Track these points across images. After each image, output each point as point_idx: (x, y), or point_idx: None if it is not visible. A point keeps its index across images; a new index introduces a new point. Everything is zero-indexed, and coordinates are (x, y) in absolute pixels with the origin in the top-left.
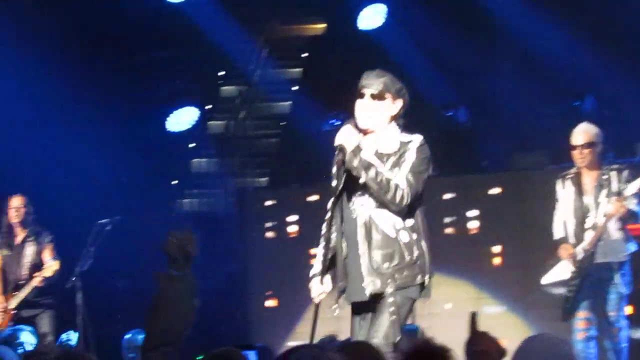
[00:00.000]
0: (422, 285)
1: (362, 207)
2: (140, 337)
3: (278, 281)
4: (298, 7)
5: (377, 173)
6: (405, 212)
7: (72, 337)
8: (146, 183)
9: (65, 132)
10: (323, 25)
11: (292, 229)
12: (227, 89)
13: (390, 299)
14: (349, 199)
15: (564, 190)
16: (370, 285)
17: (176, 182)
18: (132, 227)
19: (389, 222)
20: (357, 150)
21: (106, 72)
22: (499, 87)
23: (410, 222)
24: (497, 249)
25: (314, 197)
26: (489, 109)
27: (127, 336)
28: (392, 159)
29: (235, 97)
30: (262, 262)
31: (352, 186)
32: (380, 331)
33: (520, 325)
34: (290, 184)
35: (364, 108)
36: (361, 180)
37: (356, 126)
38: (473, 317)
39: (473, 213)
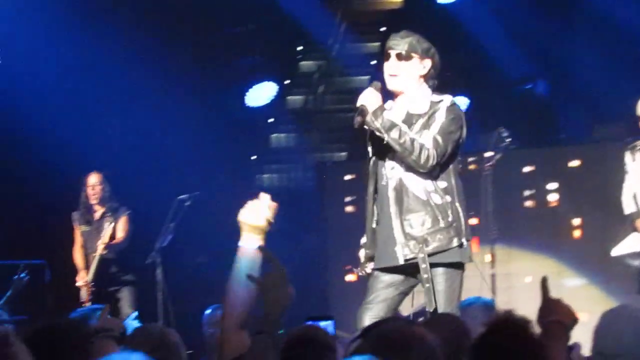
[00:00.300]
0: (460, 247)
1: (392, 170)
2: (220, 312)
3: (357, 255)
4: None
5: (400, 133)
6: (437, 174)
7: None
8: (225, 158)
9: (144, 107)
10: None
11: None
12: (306, 64)
13: (424, 265)
14: (381, 163)
15: (634, 163)
16: (403, 250)
17: (255, 157)
18: (211, 202)
19: (420, 185)
20: (380, 110)
21: (185, 47)
22: (579, 59)
23: (442, 184)
24: (577, 221)
25: None
26: (569, 80)
27: (207, 312)
28: (422, 120)
29: (314, 72)
30: (342, 237)
31: (382, 150)
32: (434, 305)
33: (601, 297)
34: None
35: (390, 69)
36: (385, 142)
37: (384, 90)
38: (544, 284)
39: (553, 186)
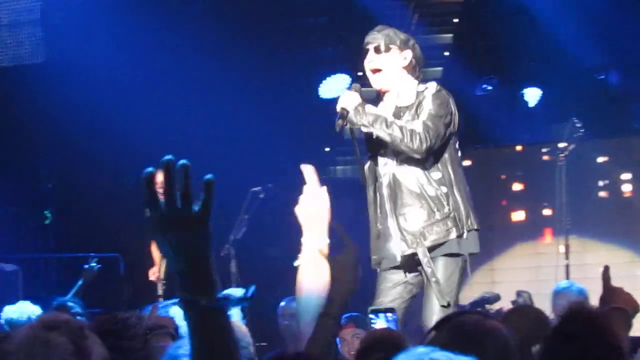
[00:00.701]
0: (459, 237)
1: (385, 166)
2: (294, 304)
3: None
4: None
5: (387, 123)
6: (430, 165)
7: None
8: (298, 150)
9: (217, 99)
10: None
11: None
12: None
13: (425, 259)
14: (375, 164)
15: None
16: (400, 246)
17: (328, 149)
18: (285, 194)
19: (412, 178)
20: (360, 107)
21: (258, 38)
22: None
23: (436, 174)
24: None
25: (467, 162)
26: None
27: (282, 304)
28: (411, 111)
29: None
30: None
31: (375, 150)
32: (444, 299)
33: None
34: None
35: (371, 64)
36: (374, 135)
37: (361, 91)
38: (605, 273)
39: (626, 176)
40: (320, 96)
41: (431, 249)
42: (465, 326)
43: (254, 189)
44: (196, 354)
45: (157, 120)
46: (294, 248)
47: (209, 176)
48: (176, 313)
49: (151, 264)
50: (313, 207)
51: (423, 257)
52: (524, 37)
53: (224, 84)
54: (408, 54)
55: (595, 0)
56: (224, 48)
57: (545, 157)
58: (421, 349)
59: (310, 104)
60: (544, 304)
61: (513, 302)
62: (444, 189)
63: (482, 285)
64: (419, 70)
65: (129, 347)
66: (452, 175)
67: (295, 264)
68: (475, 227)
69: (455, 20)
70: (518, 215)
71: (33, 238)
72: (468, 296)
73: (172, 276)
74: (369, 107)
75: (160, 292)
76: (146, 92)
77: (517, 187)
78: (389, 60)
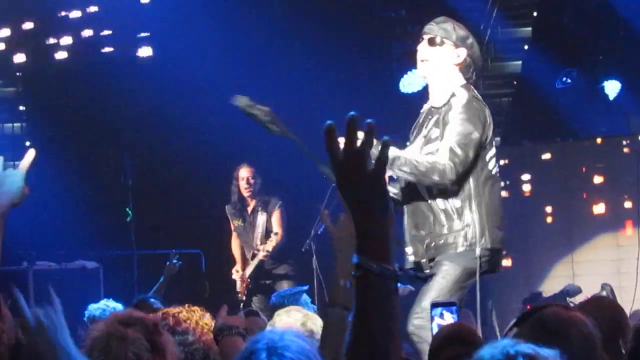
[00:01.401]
0: (467, 251)
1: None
2: None
3: (513, 240)
4: None
5: (405, 162)
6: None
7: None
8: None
9: (296, 93)
10: None
11: (526, 188)
12: None
13: (427, 271)
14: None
15: None
16: (410, 253)
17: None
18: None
19: (424, 188)
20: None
21: (338, 31)
22: None
23: (453, 187)
24: None
25: (547, 156)
26: None
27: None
28: (437, 116)
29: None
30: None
31: None
32: (424, 297)
33: None
34: (523, 143)
35: (421, 54)
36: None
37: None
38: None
39: None
40: (401, 90)
41: (433, 260)
42: (547, 319)
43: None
44: (357, 320)
45: (238, 118)
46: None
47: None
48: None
49: (232, 262)
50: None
51: (426, 267)
52: (604, 30)
53: (305, 78)
54: (462, 52)
55: None
56: (299, 40)
57: (626, 150)
58: (506, 341)
59: (390, 98)
60: (626, 297)
61: (597, 295)
62: (458, 203)
63: (564, 278)
64: (474, 70)
65: (183, 342)
66: (473, 189)
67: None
68: (492, 246)
69: (535, 13)
70: (599, 208)
71: (114, 235)
72: (549, 289)
73: (257, 276)
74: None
75: (240, 289)
76: (226, 90)
77: (597, 179)
78: (440, 55)
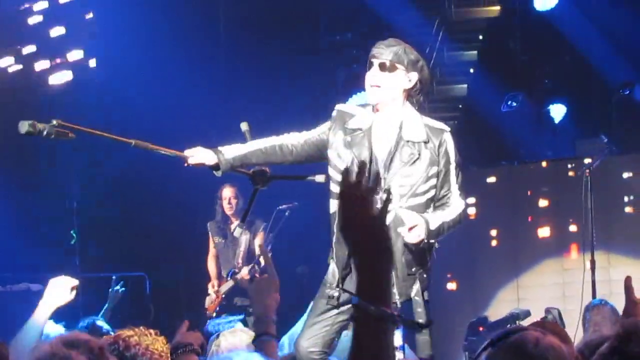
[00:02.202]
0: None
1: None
2: None
3: (458, 264)
4: None
5: (445, 229)
6: (435, 207)
7: None
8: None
9: (237, 113)
10: (498, 8)
11: (472, 211)
12: None
13: (417, 298)
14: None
15: None
16: (399, 289)
17: None
18: (309, 212)
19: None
20: (429, 227)
21: (284, 54)
22: None
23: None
24: None
25: (492, 179)
26: None
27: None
28: (426, 153)
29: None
30: (442, 245)
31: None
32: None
33: None
34: (468, 166)
35: (372, 80)
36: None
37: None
38: (628, 283)
39: None
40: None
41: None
42: (525, 343)
43: (280, 207)
44: (352, 356)
45: (189, 138)
46: (322, 265)
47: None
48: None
49: (205, 278)
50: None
51: (416, 295)
52: (549, 54)
53: (247, 99)
54: (414, 76)
55: (619, 16)
56: (248, 65)
57: (571, 173)
58: None
59: None
60: (571, 320)
61: (542, 319)
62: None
63: (509, 302)
64: (424, 93)
65: None
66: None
67: None
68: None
69: (480, 37)
70: (544, 232)
71: (59, 258)
72: (495, 313)
73: (233, 293)
74: (432, 223)
75: (209, 306)
76: (173, 108)
77: (542, 203)
78: (392, 80)
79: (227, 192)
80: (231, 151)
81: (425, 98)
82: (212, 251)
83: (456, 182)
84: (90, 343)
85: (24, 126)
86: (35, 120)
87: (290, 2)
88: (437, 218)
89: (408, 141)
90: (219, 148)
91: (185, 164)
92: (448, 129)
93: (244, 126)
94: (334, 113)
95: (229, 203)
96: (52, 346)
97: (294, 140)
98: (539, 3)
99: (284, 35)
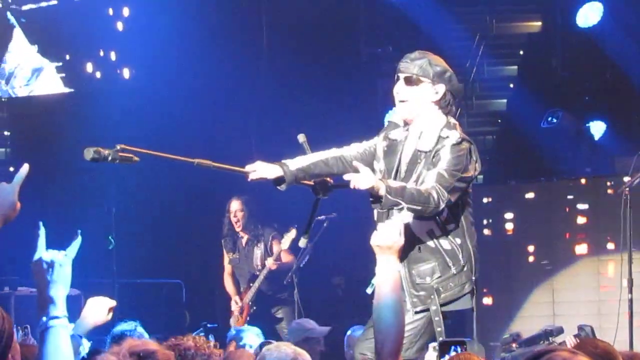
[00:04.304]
0: (472, 294)
1: (396, 214)
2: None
3: (494, 279)
4: (514, 4)
5: (408, 196)
6: (445, 216)
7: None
8: None
9: (281, 128)
10: (539, 23)
11: (509, 226)
12: None
13: (437, 318)
14: (385, 213)
15: None
16: (412, 300)
17: None
18: (346, 223)
19: (425, 231)
20: (389, 187)
21: (324, 66)
22: None
23: (451, 226)
24: None
25: (530, 195)
26: None
27: (348, 333)
28: (428, 158)
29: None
30: (480, 260)
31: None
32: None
33: None
34: (507, 181)
35: (398, 95)
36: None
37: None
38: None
39: None
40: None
41: (444, 305)
42: None
43: (318, 217)
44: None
45: (227, 148)
46: (356, 277)
47: None
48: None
49: (225, 294)
50: (387, 240)
51: (435, 315)
52: (590, 70)
53: (289, 114)
54: (441, 88)
55: None
56: (289, 76)
57: (610, 191)
58: None
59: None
60: (607, 339)
61: (575, 336)
62: (458, 240)
63: (544, 318)
64: (454, 104)
65: None
66: (463, 223)
67: (369, 290)
68: (476, 277)
69: (521, 52)
70: (581, 249)
71: (96, 263)
72: (529, 329)
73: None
74: (392, 182)
75: (236, 322)
76: (214, 119)
77: (580, 220)
78: (418, 94)
79: (234, 205)
80: (295, 163)
81: (458, 108)
82: (227, 269)
83: (440, 167)
84: (158, 354)
85: (89, 153)
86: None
87: (332, 14)
88: (401, 184)
89: (420, 151)
90: (283, 161)
91: (248, 180)
92: (455, 135)
93: (301, 138)
94: (385, 123)
95: (235, 216)
96: (120, 357)
97: (353, 151)
98: (581, 19)
99: (325, 46)
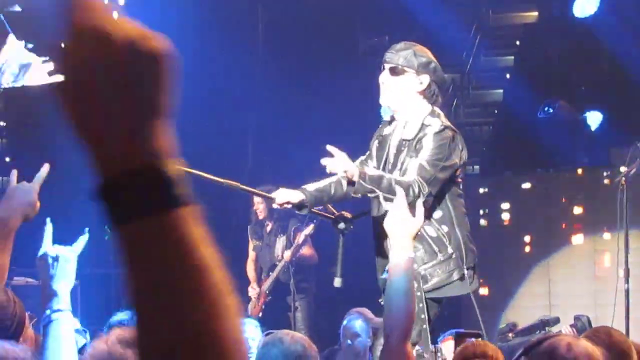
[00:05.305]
0: (461, 280)
1: (384, 204)
2: (356, 323)
3: (490, 269)
4: None
5: (385, 184)
6: (431, 203)
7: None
8: None
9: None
10: (535, 13)
11: (505, 217)
12: None
13: (421, 305)
14: (371, 200)
15: None
16: None
17: None
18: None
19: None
20: (362, 173)
21: (322, 57)
22: None
23: (437, 213)
24: None
25: (527, 185)
26: None
27: (344, 323)
28: (411, 146)
29: (448, 85)
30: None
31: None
32: (430, 346)
33: None
34: (503, 172)
35: (383, 83)
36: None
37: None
38: None
39: None
40: (382, 117)
41: (430, 292)
42: (558, 350)
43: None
44: None
45: (235, 136)
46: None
47: None
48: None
49: (243, 283)
50: (402, 222)
51: (419, 302)
52: (586, 60)
53: (286, 100)
54: (425, 79)
55: None
56: (286, 69)
57: (606, 181)
58: None
59: (372, 123)
60: None
61: (572, 326)
62: (445, 228)
63: (540, 309)
64: (440, 94)
65: None
66: (452, 212)
67: (383, 276)
68: (474, 264)
69: (517, 42)
70: (577, 239)
71: (93, 253)
72: (525, 319)
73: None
74: (368, 169)
75: (252, 310)
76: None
77: (577, 210)
78: (402, 83)
79: (256, 197)
80: (312, 186)
81: (443, 98)
82: (251, 255)
83: (422, 158)
84: None
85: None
86: None
87: (329, 5)
88: (380, 173)
89: (404, 140)
90: (303, 186)
91: (274, 205)
92: (437, 123)
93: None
94: (383, 115)
95: (257, 207)
96: (108, 344)
97: (357, 163)
98: (578, 9)
99: (322, 37)
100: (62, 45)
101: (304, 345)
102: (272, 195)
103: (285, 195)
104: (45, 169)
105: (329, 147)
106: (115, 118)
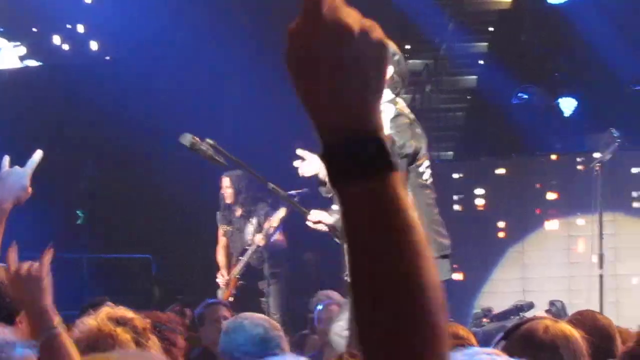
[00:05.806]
0: None
1: None
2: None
3: (465, 255)
4: None
5: None
6: None
7: None
8: None
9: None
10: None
11: (480, 202)
12: (414, 63)
13: None
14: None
15: None
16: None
17: None
18: (317, 199)
19: None
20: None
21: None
22: None
23: None
24: None
25: (501, 171)
26: None
27: (319, 307)
28: None
29: (421, 71)
30: (450, 236)
31: None
32: None
33: None
34: (478, 157)
35: None
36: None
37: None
38: None
39: None
40: None
41: None
42: (537, 333)
43: (290, 192)
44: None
45: (198, 124)
46: (328, 253)
47: None
48: None
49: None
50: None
51: None
52: (561, 47)
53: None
54: (389, 70)
55: (633, 11)
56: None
57: (580, 167)
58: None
59: None
60: None
61: (547, 311)
62: None
63: (515, 294)
64: (403, 85)
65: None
66: (415, 202)
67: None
68: (441, 254)
69: (491, 28)
70: (552, 225)
71: (65, 237)
72: (500, 305)
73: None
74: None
75: (223, 295)
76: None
77: (551, 196)
78: None
79: (223, 182)
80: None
81: (402, 91)
82: (221, 241)
83: None
84: (135, 321)
85: (186, 139)
86: None
87: None
88: None
89: None
90: (332, 207)
91: (307, 222)
92: (393, 114)
93: None
94: None
95: (225, 192)
96: (98, 321)
97: None
98: None
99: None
100: (305, 30)
101: (265, 327)
102: (307, 213)
103: (318, 215)
104: (37, 154)
105: (299, 151)
106: (347, 93)
